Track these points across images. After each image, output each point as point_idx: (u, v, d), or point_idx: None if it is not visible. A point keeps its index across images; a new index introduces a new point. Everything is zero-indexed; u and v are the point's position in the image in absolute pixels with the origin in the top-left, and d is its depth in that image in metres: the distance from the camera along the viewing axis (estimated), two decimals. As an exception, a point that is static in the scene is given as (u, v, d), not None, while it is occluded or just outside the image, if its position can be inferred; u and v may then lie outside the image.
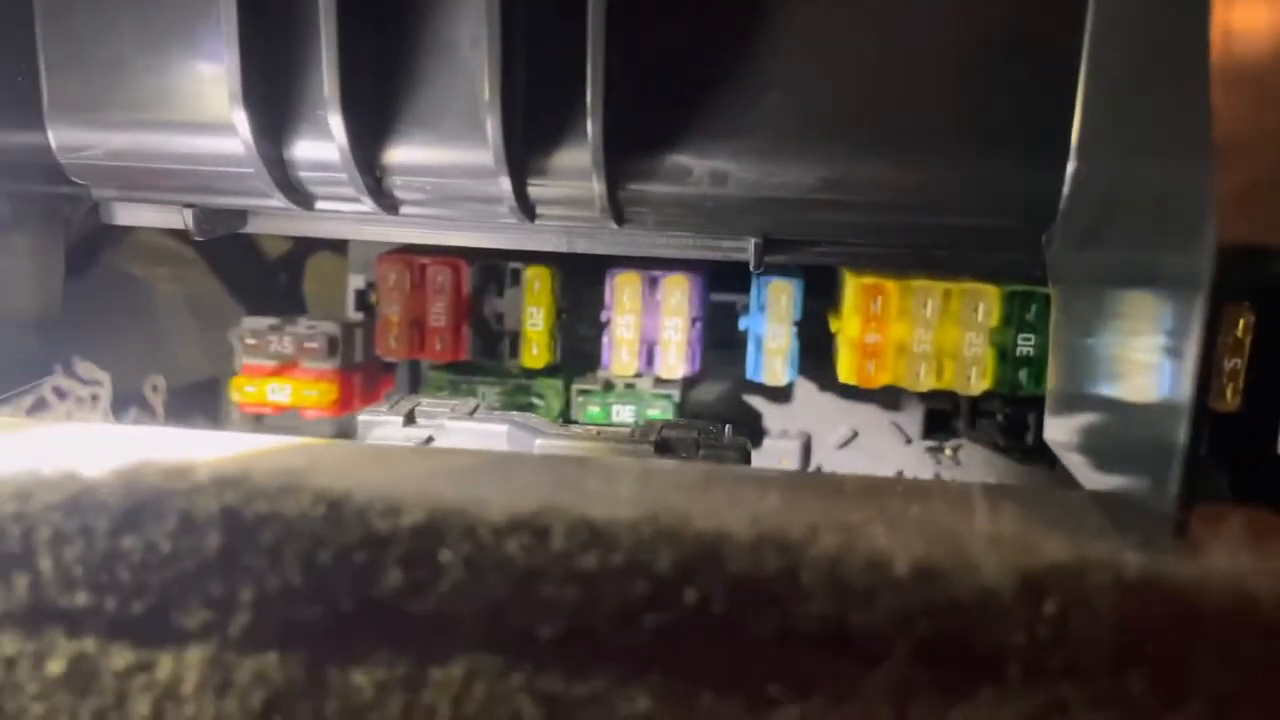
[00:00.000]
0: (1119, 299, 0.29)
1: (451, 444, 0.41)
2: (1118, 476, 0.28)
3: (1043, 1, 0.34)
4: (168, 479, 0.23)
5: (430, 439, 0.41)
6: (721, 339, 0.55)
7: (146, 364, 0.64)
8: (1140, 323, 0.28)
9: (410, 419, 0.42)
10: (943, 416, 0.52)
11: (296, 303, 0.69)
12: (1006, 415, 0.51)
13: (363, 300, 0.60)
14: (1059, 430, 0.35)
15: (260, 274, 0.69)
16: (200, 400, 0.67)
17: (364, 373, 0.56)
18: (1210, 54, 0.23)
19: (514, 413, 0.43)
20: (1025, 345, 0.49)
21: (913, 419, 0.55)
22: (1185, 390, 0.24)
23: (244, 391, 0.53)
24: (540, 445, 0.40)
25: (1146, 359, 0.27)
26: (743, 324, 0.53)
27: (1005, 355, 0.49)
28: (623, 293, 0.52)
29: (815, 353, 0.53)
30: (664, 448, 0.40)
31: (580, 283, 0.53)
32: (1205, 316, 0.22)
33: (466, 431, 0.41)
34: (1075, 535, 0.24)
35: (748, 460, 0.40)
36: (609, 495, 0.25)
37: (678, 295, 0.51)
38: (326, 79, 0.35)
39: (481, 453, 0.31)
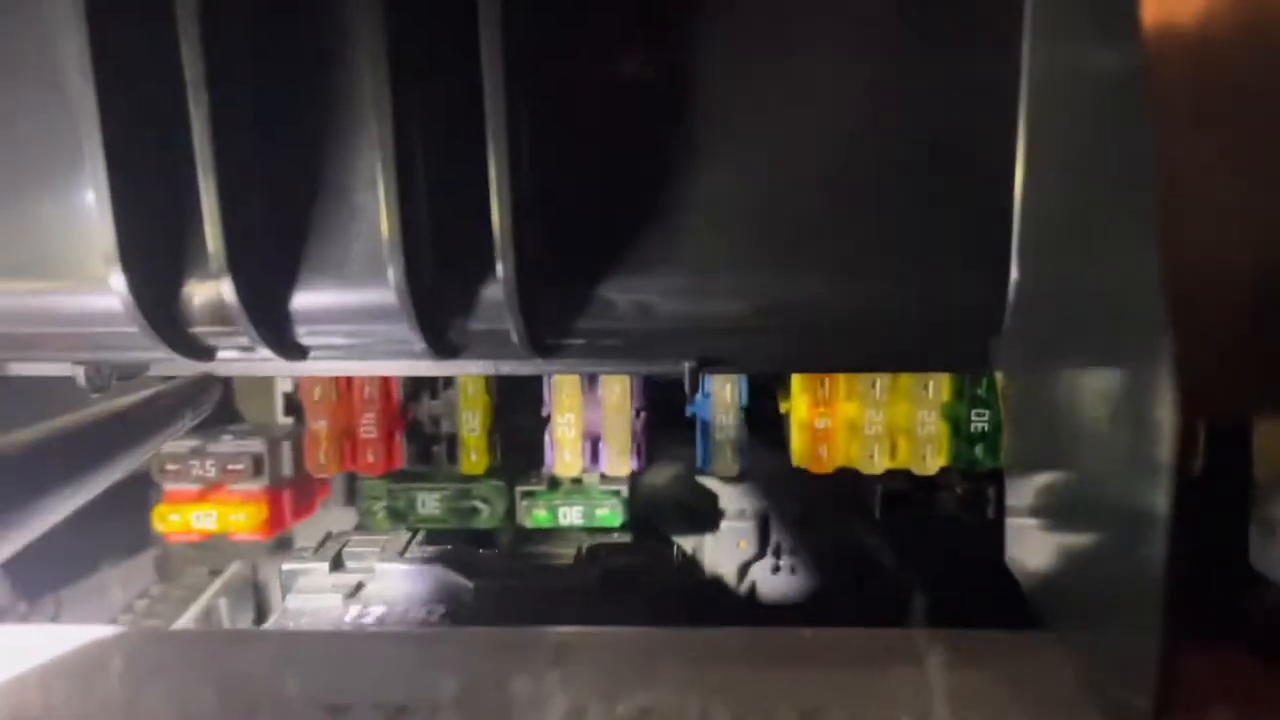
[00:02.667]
0: (1074, 433, 0.27)
1: (382, 589, 0.38)
2: (1092, 611, 0.26)
3: (974, 114, 0.32)
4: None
5: (360, 585, 0.39)
6: (671, 419, 0.53)
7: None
8: (1102, 465, 0.26)
9: (338, 563, 0.40)
10: (900, 496, 0.50)
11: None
12: (966, 490, 0.50)
13: (291, 403, 0.57)
14: (1021, 549, 0.33)
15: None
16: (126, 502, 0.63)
17: (295, 487, 0.53)
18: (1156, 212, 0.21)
19: (448, 547, 0.41)
20: (979, 420, 0.47)
21: (870, 495, 0.53)
22: (1157, 563, 0.22)
23: (168, 521, 0.50)
24: (476, 588, 0.37)
25: (1112, 509, 0.25)
26: (689, 410, 0.51)
27: (959, 431, 0.47)
28: (561, 392, 0.49)
29: (768, 432, 0.51)
30: (609, 579, 0.38)
31: (518, 379, 0.51)
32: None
33: (398, 575, 0.39)
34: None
35: (698, 590, 0.38)
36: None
37: (618, 391, 0.49)
38: (209, 234, 0.32)
39: (393, 645, 0.28)
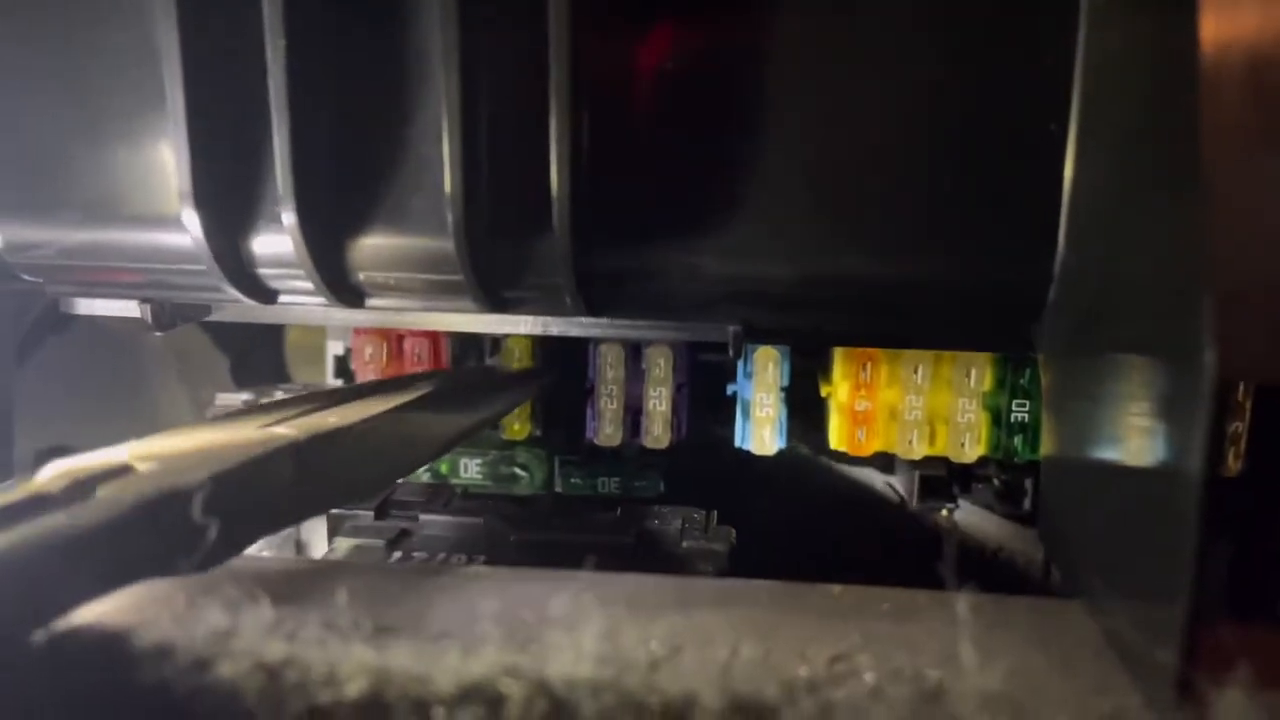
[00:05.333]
0: (1113, 408, 0.28)
1: (427, 537, 0.40)
2: (1121, 575, 0.27)
3: (1028, 93, 0.32)
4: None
5: (404, 532, 0.40)
6: (711, 400, 0.54)
7: (133, 423, 0.63)
8: (1137, 436, 0.26)
9: (382, 511, 0.41)
10: (937, 482, 0.51)
11: (279, 354, 0.68)
12: (1003, 481, 0.50)
13: (342, 366, 0.58)
14: (1052, 513, 0.34)
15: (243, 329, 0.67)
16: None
17: (342, 445, 0.54)
18: (1204, 181, 0.22)
19: (489, 500, 0.42)
20: (1020, 411, 0.47)
21: (907, 482, 0.53)
22: (1189, 521, 0.22)
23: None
24: (515, 540, 0.38)
25: (1145, 472, 0.25)
26: (730, 389, 0.52)
27: (999, 421, 0.47)
28: (606, 361, 0.50)
29: (806, 415, 0.51)
30: (645, 540, 0.38)
31: (563, 349, 0.52)
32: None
33: (441, 524, 0.40)
34: (1073, 686, 0.22)
35: (734, 550, 0.39)
36: (570, 648, 0.23)
37: (662, 364, 0.50)
38: (280, 176, 0.33)
39: (435, 577, 0.29)
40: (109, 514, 0.22)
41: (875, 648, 0.25)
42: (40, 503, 0.22)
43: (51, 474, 0.24)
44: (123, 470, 0.25)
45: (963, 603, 0.27)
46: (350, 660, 0.22)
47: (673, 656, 0.24)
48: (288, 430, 0.29)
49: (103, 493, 0.23)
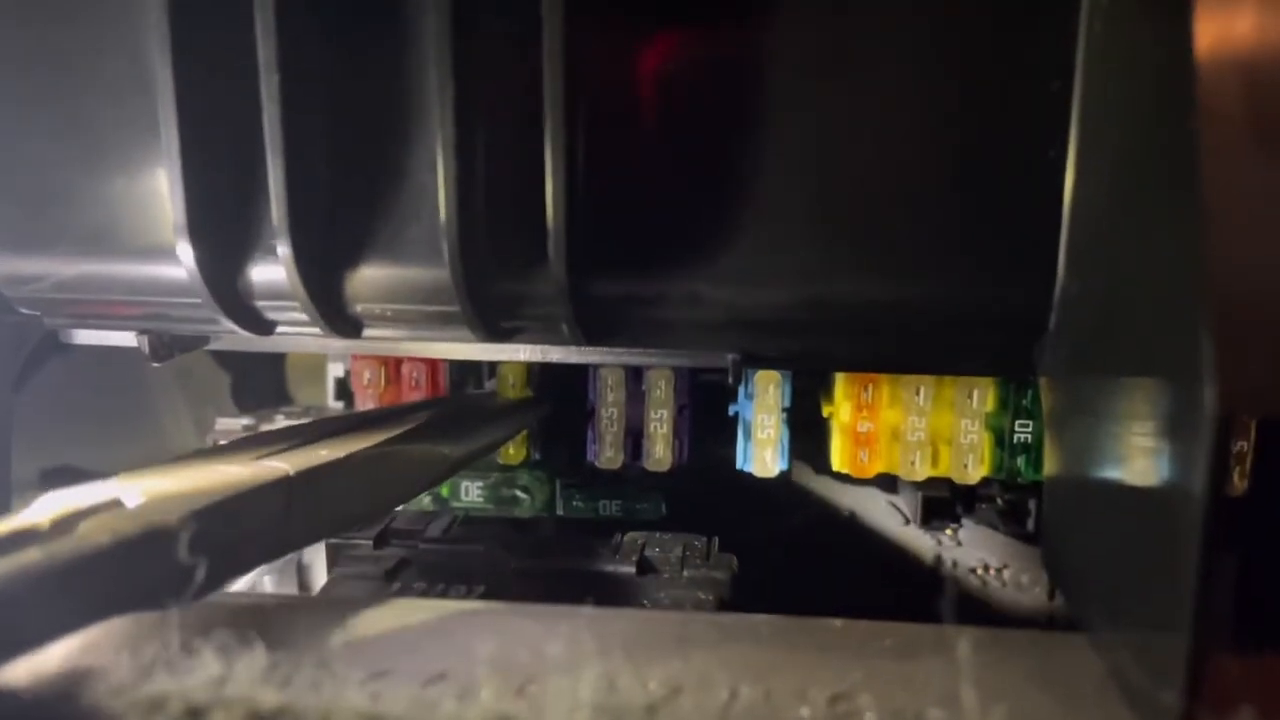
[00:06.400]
0: (1115, 431, 0.28)
1: (426, 566, 0.39)
2: (1124, 602, 0.26)
3: (1028, 116, 0.32)
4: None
5: (403, 561, 0.39)
6: (713, 420, 0.53)
7: (137, 444, 0.63)
8: (1139, 458, 0.26)
9: (382, 539, 0.41)
10: (941, 503, 0.50)
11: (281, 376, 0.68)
12: (1006, 501, 0.50)
13: (344, 388, 0.58)
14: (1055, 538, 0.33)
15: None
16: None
17: (343, 469, 0.54)
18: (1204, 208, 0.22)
19: (489, 525, 0.41)
20: (1023, 431, 0.47)
21: (910, 502, 0.53)
22: (1191, 555, 0.22)
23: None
24: (516, 568, 0.38)
25: (1148, 499, 0.25)
26: (732, 410, 0.51)
27: (1002, 442, 0.47)
28: (606, 384, 0.50)
29: (808, 436, 0.51)
30: (646, 568, 0.38)
31: (564, 370, 0.51)
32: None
33: (440, 553, 0.40)
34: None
35: (735, 577, 0.38)
36: (568, 693, 0.23)
37: (663, 385, 0.49)
38: (275, 208, 0.33)
39: (433, 614, 0.29)
40: (86, 549, 0.22)
41: (876, 687, 0.25)
42: (27, 537, 0.22)
43: (42, 508, 0.24)
44: (110, 505, 0.25)
45: (964, 640, 0.27)
46: (344, 708, 0.22)
47: (671, 699, 0.23)
48: (280, 463, 0.29)
49: (85, 527, 0.23)
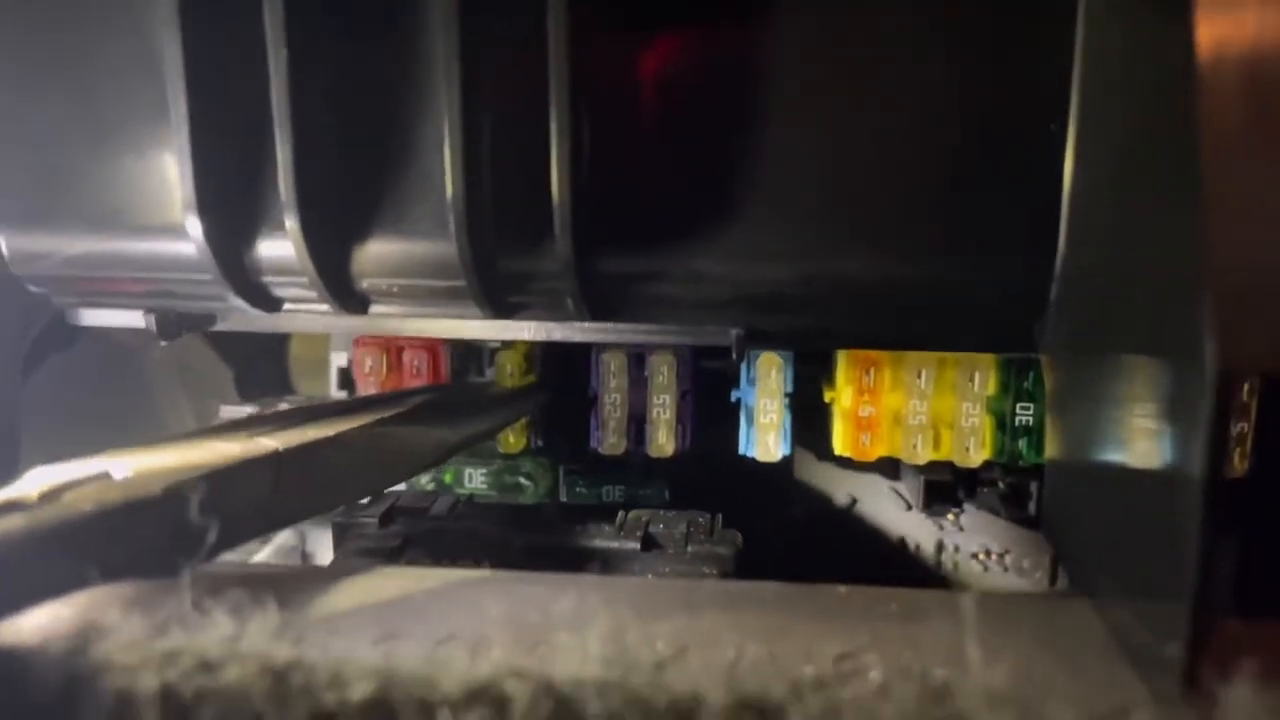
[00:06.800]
0: (1117, 408, 0.28)
1: (431, 545, 0.39)
2: (1126, 570, 0.27)
3: (1028, 93, 0.32)
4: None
5: (407, 540, 0.40)
6: (715, 406, 0.54)
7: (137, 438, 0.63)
8: (1141, 435, 0.26)
9: (388, 518, 0.41)
10: (943, 487, 0.50)
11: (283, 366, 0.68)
12: (1008, 484, 0.50)
13: (346, 378, 0.58)
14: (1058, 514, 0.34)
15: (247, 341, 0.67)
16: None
17: (347, 456, 0.54)
18: (1204, 178, 0.22)
19: (494, 506, 0.42)
20: (1024, 414, 0.47)
21: (913, 487, 0.53)
22: (1194, 513, 0.22)
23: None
24: (522, 544, 0.38)
25: (1150, 472, 0.25)
26: (734, 395, 0.52)
27: (1004, 425, 0.47)
28: (609, 370, 0.50)
29: (810, 421, 0.51)
30: (650, 544, 0.38)
31: (565, 357, 0.52)
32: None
33: (447, 532, 0.40)
34: (1079, 683, 0.22)
35: (739, 554, 0.39)
36: (576, 648, 0.23)
37: (665, 371, 0.50)
38: (283, 183, 0.33)
39: (442, 581, 0.29)
40: (68, 517, 0.22)
41: (882, 647, 0.25)
42: (13, 508, 0.23)
43: (31, 481, 0.24)
44: (98, 478, 0.25)
45: (968, 601, 0.27)
46: (356, 662, 0.22)
47: (679, 656, 0.24)
48: (270, 441, 0.29)
49: (69, 498, 0.23)
